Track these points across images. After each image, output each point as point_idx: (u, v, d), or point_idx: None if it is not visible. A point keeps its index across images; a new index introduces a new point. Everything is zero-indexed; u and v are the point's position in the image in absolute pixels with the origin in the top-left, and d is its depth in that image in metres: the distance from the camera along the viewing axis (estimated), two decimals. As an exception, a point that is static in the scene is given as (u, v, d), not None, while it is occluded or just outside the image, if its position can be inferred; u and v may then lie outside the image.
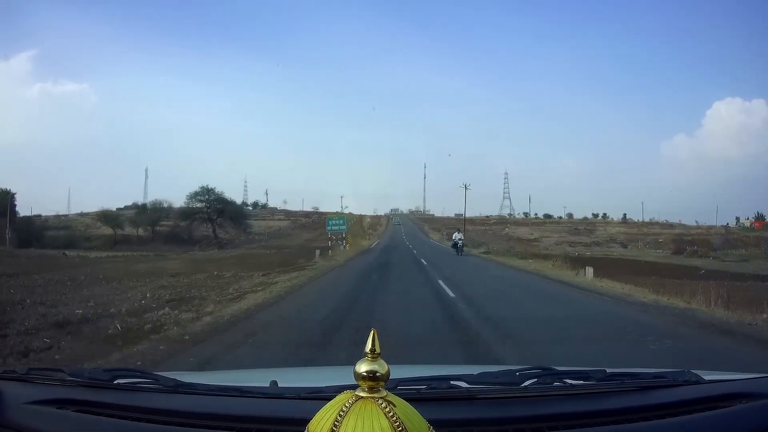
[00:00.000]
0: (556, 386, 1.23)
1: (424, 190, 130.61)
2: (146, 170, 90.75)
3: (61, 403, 1.14)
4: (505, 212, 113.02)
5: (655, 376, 1.30)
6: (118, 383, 1.22)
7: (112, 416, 1.10)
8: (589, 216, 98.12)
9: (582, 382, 1.25)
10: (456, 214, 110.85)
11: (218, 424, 1.06)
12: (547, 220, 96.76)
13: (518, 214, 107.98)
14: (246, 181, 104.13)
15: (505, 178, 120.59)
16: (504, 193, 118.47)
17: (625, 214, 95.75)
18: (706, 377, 1.31)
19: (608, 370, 1.29)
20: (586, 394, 1.21)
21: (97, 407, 1.13)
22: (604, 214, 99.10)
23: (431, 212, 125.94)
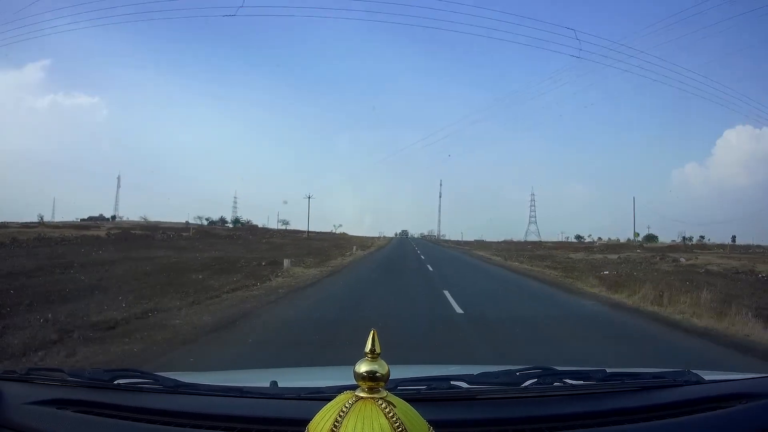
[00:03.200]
0: (557, 386, 1.23)
1: (440, 211, 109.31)
2: (118, 178, 78.52)
3: (61, 403, 1.14)
4: (532, 237, 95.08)
5: (656, 376, 1.30)
6: (118, 383, 1.22)
7: (112, 417, 1.10)
8: (679, 240, 70.70)
9: (582, 382, 1.24)
10: (476, 240, 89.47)
11: (218, 424, 1.06)
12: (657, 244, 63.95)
13: (548, 237, 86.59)
14: (235, 197, 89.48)
15: (531, 200, 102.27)
16: (530, 217, 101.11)
17: (734, 236, 66.10)
18: (707, 377, 1.30)
19: (608, 371, 1.29)
20: (587, 394, 1.21)
21: (97, 408, 1.13)
22: (702, 236, 72.84)
23: (446, 236, 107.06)
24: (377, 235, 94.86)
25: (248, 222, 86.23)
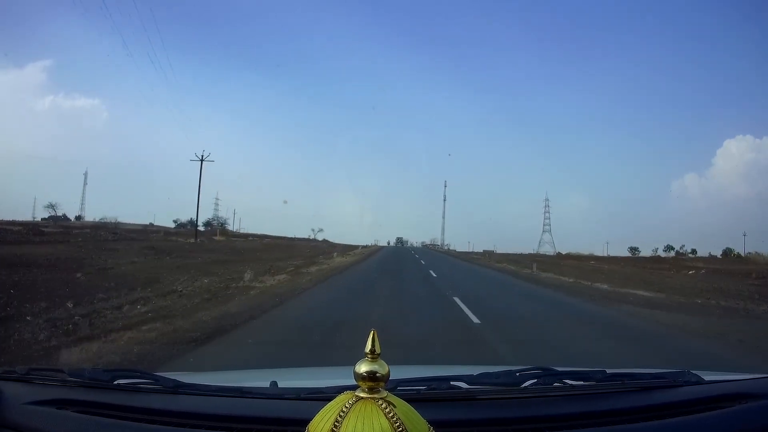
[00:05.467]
0: (556, 387, 1.23)
1: (444, 217, 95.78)
2: (85, 174, 71.48)
3: (61, 403, 1.14)
4: (545, 249, 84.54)
5: (656, 376, 1.30)
6: (118, 384, 1.22)
7: (112, 417, 1.10)
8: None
9: (582, 382, 1.25)
10: (485, 250, 75.69)
11: (218, 424, 1.06)
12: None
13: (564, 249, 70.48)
14: (217, 198, 76.60)
15: (545, 207, 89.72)
16: (544, 225, 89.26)
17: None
18: (707, 377, 1.31)
19: (608, 371, 1.29)
20: (586, 394, 1.21)
21: (97, 408, 1.13)
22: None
23: (450, 245, 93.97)
24: (369, 243, 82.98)
25: (222, 225, 78.34)
